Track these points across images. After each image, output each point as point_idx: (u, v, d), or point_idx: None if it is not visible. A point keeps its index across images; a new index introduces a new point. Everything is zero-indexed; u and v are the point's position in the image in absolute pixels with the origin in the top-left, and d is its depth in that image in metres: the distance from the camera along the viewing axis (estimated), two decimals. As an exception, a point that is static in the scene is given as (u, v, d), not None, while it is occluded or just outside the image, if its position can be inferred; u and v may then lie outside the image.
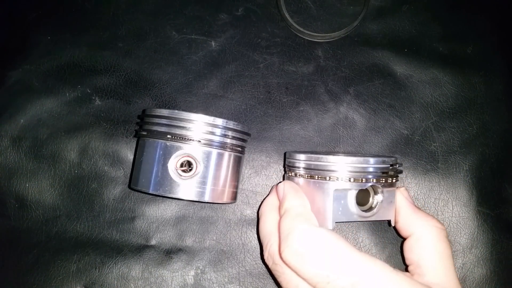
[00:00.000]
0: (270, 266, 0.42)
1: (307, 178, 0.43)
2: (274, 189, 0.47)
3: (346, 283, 0.34)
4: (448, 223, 0.52)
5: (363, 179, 0.41)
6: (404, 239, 0.44)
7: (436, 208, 0.52)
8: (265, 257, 0.42)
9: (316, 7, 0.57)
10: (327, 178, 0.41)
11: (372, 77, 0.55)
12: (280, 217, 0.42)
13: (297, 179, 0.45)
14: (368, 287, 0.34)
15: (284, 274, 0.39)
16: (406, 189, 0.46)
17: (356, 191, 0.41)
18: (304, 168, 0.44)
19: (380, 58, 0.56)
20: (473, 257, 0.51)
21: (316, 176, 0.42)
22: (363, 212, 0.42)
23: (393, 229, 0.51)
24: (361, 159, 0.42)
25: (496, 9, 0.57)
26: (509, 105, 0.55)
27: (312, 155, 0.43)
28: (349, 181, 0.41)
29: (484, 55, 0.56)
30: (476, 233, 0.52)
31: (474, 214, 0.52)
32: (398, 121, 0.54)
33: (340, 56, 0.56)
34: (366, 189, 0.43)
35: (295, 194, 0.43)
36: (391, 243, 0.51)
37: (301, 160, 0.45)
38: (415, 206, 0.44)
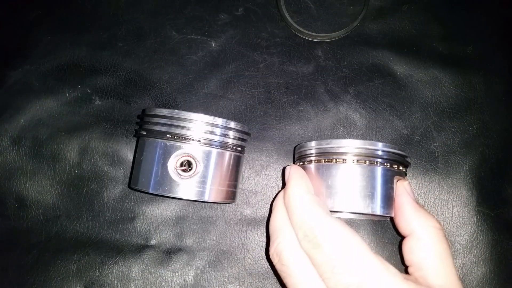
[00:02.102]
0: (275, 264, 0.41)
1: (333, 162, 0.43)
2: None
3: (354, 281, 0.34)
4: (448, 223, 0.52)
5: (387, 164, 0.42)
6: (402, 236, 0.44)
7: (436, 208, 0.52)
8: (271, 253, 0.41)
9: (316, 7, 0.57)
10: (354, 161, 0.42)
11: (372, 77, 0.55)
12: (288, 199, 0.41)
13: (310, 165, 0.45)
14: None
15: (290, 276, 0.38)
16: (409, 183, 0.45)
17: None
18: (322, 153, 0.44)
19: (380, 58, 0.56)
20: (473, 257, 0.51)
21: (341, 160, 0.43)
22: None
23: (393, 229, 0.51)
24: (387, 144, 0.43)
25: (496, 9, 0.57)
26: (509, 105, 0.55)
27: (333, 140, 0.44)
28: (375, 164, 0.42)
29: (484, 55, 0.56)
30: (476, 233, 0.52)
31: (474, 214, 0.52)
32: (398, 121, 0.54)
33: (340, 56, 0.56)
34: None
35: (302, 180, 0.42)
36: (391, 243, 0.51)
37: (325, 145, 0.44)
38: (417, 203, 0.43)
